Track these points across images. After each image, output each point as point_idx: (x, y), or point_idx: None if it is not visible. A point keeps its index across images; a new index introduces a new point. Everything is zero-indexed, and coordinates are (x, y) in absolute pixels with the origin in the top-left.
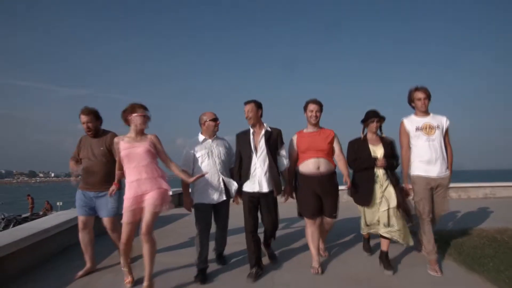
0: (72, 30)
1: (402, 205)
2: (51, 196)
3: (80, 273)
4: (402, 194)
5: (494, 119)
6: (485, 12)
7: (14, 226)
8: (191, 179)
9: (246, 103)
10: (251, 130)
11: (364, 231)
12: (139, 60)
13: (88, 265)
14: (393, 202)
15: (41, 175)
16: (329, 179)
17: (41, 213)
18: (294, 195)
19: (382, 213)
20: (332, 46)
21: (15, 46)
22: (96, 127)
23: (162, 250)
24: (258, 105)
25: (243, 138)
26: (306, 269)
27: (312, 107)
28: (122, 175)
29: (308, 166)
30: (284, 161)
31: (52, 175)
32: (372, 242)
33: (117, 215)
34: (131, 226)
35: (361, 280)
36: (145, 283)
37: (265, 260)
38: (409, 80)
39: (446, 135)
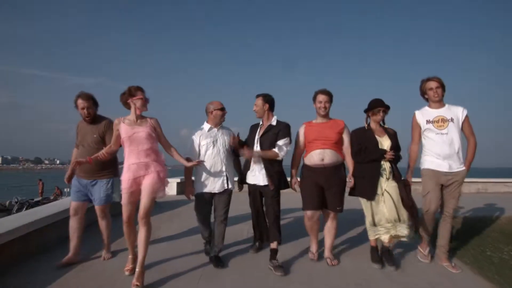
0: (80, 20)
1: (406, 201)
2: (57, 182)
3: (63, 261)
4: (406, 189)
5: (486, 119)
6: (486, 11)
7: (27, 209)
8: (190, 164)
9: (256, 96)
10: (261, 123)
11: (371, 233)
12: (149, 51)
13: (70, 254)
14: (397, 195)
15: (46, 162)
16: (334, 172)
17: (52, 197)
18: (297, 187)
19: (388, 207)
20: (332, 44)
21: (23, 35)
22: (95, 113)
23: (172, 229)
24: (266, 100)
25: (252, 130)
26: (310, 264)
27: (321, 97)
28: (105, 157)
29: (312, 157)
30: (275, 149)
31: (58, 162)
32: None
33: (108, 203)
34: (130, 206)
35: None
36: (137, 269)
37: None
38: (409, 79)
39: (466, 126)
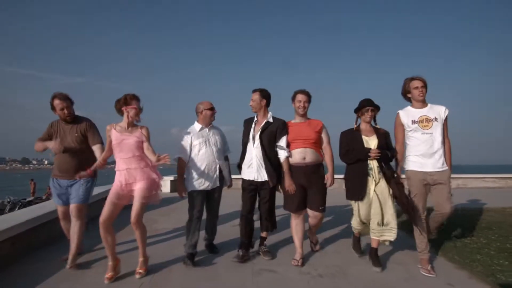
0: (68, 19)
1: (400, 199)
2: (47, 182)
3: (66, 256)
4: (399, 187)
5: (468, 119)
6: (487, 8)
7: (19, 208)
8: (158, 162)
9: (253, 91)
10: (255, 119)
11: (356, 230)
12: (137, 50)
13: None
14: (386, 197)
15: (34, 162)
16: (315, 170)
17: (44, 197)
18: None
19: (374, 209)
20: (331, 40)
21: (7, 33)
22: (73, 113)
23: (169, 223)
24: (263, 95)
25: (246, 126)
26: (302, 273)
27: (300, 97)
28: (102, 166)
29: (294, 156)
30: (280, 153)
31: (46, 162)
32: (363, 241)
33: (85, 203)
34: (112, 207)
35: (349, 275)
36: (140, 259)
37: (259, 256)
38: (408, 74)
39: (445, 126)
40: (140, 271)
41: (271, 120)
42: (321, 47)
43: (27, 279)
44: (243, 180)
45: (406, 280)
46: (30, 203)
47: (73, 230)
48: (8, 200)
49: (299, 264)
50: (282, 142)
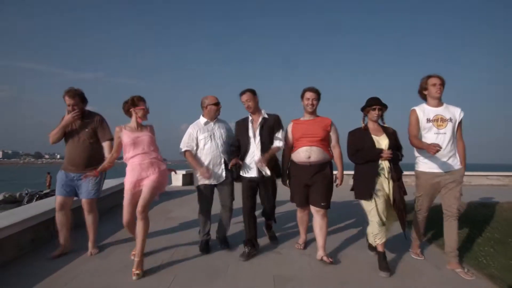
0: (79, 15)
1: (398, 204)
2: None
3: (56, 253)
4: (401, 191)
5: (469, 120)
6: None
7: (36, 200)
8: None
9: (242, 93)
10: (250, 118)
11: (379, 238)
12: (146, 47)
13: (62, 246)
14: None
15: (47, 156)
16: (320, 169)
17: None
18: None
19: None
20: (332, 39)
21: (21, 28)
22: (83, 109)
23: (182, 212)
24: (254, 93)
25: (242, 126)
26: (304, 255)
27: (309, 95)
28: (109, 167)
29: (299, 154)
30: (276, 142)
31: (58, 156)
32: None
33: (96, 197)
34: (131, 208)
35: (348, 258)
36: (136, 259)
37: (266, 240)
38: (409, 74)
39: (459, 128)
40: (136, 272)
41: (266, 116)
42: (321, 47)
43: (60, 257)
44: (243, 178)
45: (397, 263)
46: (46, 195)
47: (89, 223)
48: (26, 192)
49: (302, 247)
50: (280, 134)
